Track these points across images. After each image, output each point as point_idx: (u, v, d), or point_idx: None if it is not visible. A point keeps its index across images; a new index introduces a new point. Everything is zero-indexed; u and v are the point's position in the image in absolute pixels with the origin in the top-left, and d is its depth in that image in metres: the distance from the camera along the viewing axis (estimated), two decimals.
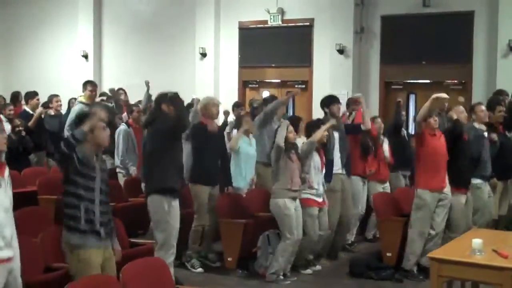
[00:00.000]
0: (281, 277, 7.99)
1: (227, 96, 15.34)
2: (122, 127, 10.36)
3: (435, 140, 7.93)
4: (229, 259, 8.46)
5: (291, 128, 8.03)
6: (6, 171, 4.69)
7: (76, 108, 10.72)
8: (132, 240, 7.37)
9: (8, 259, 4.72)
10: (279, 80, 16.03)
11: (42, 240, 6.09)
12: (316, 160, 8.24)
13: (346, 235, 9.49)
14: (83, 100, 11.00)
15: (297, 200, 8.00)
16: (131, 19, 17.58)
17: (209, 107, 8.43)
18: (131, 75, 17.05)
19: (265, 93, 16.01)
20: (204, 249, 8.68)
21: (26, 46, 18.99)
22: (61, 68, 18.33)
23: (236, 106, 12.92)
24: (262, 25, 15.76)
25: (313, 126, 8.46)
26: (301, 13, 15.29)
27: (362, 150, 9.76)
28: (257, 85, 16.36)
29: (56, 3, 18.45)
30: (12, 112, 11.84)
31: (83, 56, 17.89)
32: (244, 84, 16.32)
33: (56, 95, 12.12)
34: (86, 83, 11.47)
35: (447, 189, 8.00)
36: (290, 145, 7.97)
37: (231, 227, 8.49)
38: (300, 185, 7.97)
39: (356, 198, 9.64)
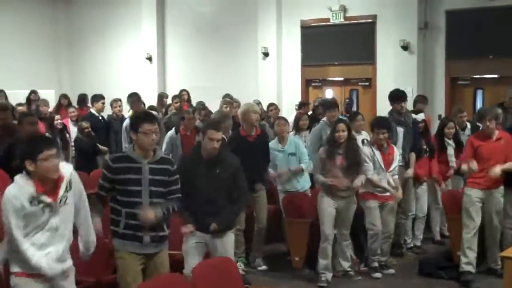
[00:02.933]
0: (352, 273, 8.07)
1: (290, 95, 15.35)
2: (169, 133, 10.21)
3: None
4: (296, 258, 8.46)
5: (341, 126, 7.78)
6: (61, 192, 4.58)
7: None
8: None
9: (49, 276, 4.58)
10: (342, 78, 15.91)
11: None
12: (378, 158, 8.04)
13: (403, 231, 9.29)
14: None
15: (345, 200, 7.80)
16: (193, 20, 17.71)
17: (249, 113, 8.30)
18: (194, 76, 17.25)
19: (329, 92, 15.97)
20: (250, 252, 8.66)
21: (91, 49, 19.39)
22: (126, 71, 18.65)
23: (302, 105, 12.91)
24: (324, 23, 15.65)
25: (376, 124, 8.26)
26: (364, 10, 15.13)
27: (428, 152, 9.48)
28: (320, 84, 16.27)
29: (121, 7, 18.76)
30: (74, 113, 12.02)
31: (147, 58, 18.14)
32: (307, 83, 16.25)
33: (116, 100, 12.19)
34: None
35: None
36: (336, 145, 7.74)
37: (297, 226, 8.50)
38: (346, 187, 7.76)
39: (421, 200, 9.41)
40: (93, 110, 12.08)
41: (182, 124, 10.33)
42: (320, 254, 7.84)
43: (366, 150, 8.08)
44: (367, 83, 15.42)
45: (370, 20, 15.08)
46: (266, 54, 16.20)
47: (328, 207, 7.76)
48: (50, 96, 15.32)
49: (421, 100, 11.29)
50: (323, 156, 7.78)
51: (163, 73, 18.29)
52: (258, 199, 8.34)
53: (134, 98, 12.05)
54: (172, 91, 15.70)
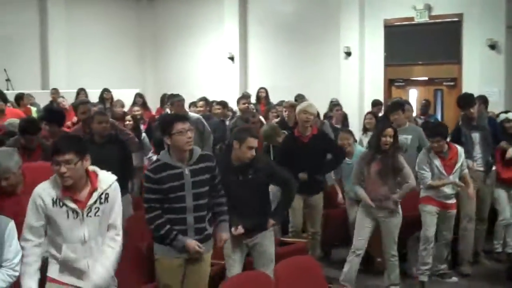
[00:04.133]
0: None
1: (372, 95, 15.16)
2: None
3: None
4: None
5: (389, 131, 7.14)
6: (91, 201, 4.34)
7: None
8: (283, 238, 7.44)
9: None
10: (426, 78, 15.63)
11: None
12: (436, 164, 7.50)
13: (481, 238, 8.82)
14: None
15: (383, 211, 7.21)
16: (275, 20, 17.76)
17: (300, 113, 7.92)
18: (275, 76, 17.29)
19: (412, 92, 15.73)
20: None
21: (174, 48, 19.71)
22: (208, 70, 18.86)
23: (374, 104, 12.64)
24: (408, 22, 15.43)
25: (429, 132, 7.78)
26: (449, 8, 14.83)
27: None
28: (403, 83, 16.04)
29: (204, 6, 18.99)
30: (138, 112, 11.93)
31: (229, 58, 18.28)
32: (390, 83, 16.05)
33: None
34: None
35: None
36: (378, 150, 7.15)
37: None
38: (383, 195, 7.13)
39: (501, 206, 8.80)
40: (169, 110, 12.06)
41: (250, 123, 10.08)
42: (346, 264, 7.41)
43: (422, 158, 7.61)
44: (452, 83, 15.10)
45: (456, 19, 14.77)
46: (348, 54, 16.08)
47: (364, 218, 7.25)
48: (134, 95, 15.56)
49: None
50: (363, 161, 7.25)
51: (245, 72, 18.40)
52: (312, 203, 7.98)
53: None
54: (253, 90, 15.76)
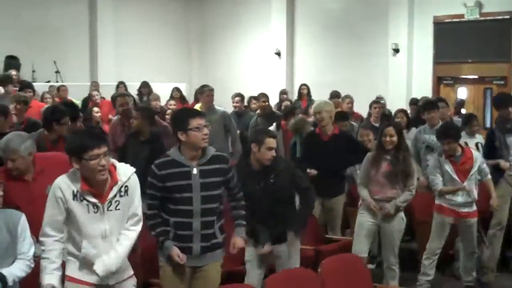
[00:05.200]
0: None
1: (420, 93, 14.97)
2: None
3: None
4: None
5: (389, 130, 6.73)
6: (110, 195, 4.22)
7: None
8: (328, 236, 7.41)
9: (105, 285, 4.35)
10: (476, 76, 15.39)
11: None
12: (447, 169, 7.00)
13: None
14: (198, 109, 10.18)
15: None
16: (323, 17, 17.67)
17: (321, 112, 7.61)
18: (322, 72, 17.21)
19: (461, 90, 15.51)
20: None
21: (221, 43, 19.74)
22: (254, 65, 18.86)
23: (412, 102, 12.41)
24: (458, 19, 15.20)
25: (440, 134, 7.25)
26: (501, 5, 14.56)
27: None
28: (452, 82, 15.81)
29: (251, 3, 18.99)
30: (174, 106, 11.82)
31: (276, 53, 18.25)
32: (438, 80, 15.83)
33: (238, 94, 12.15)
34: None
35: None
36: (383, 151, 6.77)
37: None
38: (390, 198, 6.71)
39: None
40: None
41: (288, 119, 9.73)
42: None
43: (433, 162, 7.20)
44: (502, 82, 14.82)
45: (507, 17, 14.49)
46: (396, 51, 15.92)
47: (366, 221, 6.81)
48: (181, 89, 15.62)
49: None
50: (369, 162, 6.85)
51: (291, 68, 18.35)
52: (331, 206, 7.63)
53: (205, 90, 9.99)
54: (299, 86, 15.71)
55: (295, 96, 15.09)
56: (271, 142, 5.53)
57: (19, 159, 5.06)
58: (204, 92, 9.41)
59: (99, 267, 4.23)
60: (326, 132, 7.62)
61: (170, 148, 4.99)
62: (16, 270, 4.25)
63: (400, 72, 15.93)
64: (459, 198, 7.04)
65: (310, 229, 6.60)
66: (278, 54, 18.25)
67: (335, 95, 12.67)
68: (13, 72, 12.91)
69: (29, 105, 9.00)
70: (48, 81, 15.50)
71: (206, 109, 9.08)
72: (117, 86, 14.21)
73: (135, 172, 4.40)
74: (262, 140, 5.53)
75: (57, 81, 15.47)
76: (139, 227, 4.44)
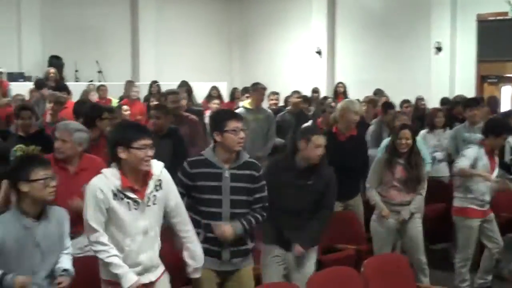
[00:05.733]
0: None
1: (463, 91, 14.79)
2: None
3: None
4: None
5: (405, 133, 6.54)
6: (148, 189, 4.22)
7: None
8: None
9: (148, 283, 4.31)
10: None
11: None
12: (484, 163, 6.80)
13: None
14: (247, 105, 9.59)
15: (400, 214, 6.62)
16: (364, 15, 17.59)
17: (349, 112, 7.29)
18: (363, 71, 17.12)
19: (506, 89, 15.28)
20: None
21: (262, 42, 19.78)
22: (295, 64, 18.84)
23: (443, 103, 12.20)
24: (502, 17, 14.98)
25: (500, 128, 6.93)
26: None
27: None
28: (496, 80, 15.60)
29: (292, 1, 18.97)
30: (216, 105, 11.83)
31: (316, 52, 18.21)
32: (482, 79, 15.63)
33: (274, 93, 12.10)
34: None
35: None
36: (397, 154, 6.57)
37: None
38: (408, 202, 6.60)
39: None
40: (241, 103, 11.99)
41: (322, 117, 9.64)
42: None
43: (471, 151, 6.79)
44: None
45: None
46: (439, 49, 15.78)
47: (382, 225, 6.65)
48: (222, 88, 15.66)
49: None
50: (382, 165, 6.63)
51: (332, 67, 18.29)
52: (352, 204, 7.40)
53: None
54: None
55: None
56: (319, 139, 5.41)
57: (69, 143, 5.13)
58: (257, 90, 9.34)
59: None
60: (344, 132, 7.36)
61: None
62: (69, 264, 4.31)
63: (443, 71, 15.77)
64: (487, 197, 6.91)
65: (351, 228, 6.53)
66: (319, 53, 18.21)
67: (378, 93, 12.54)
68: (51, 70, 13.14)
69: (64, 105, 9.16)
70: (91, 81, 15.64)
71: (255, 106, 9.10)
72: (150, 86, 14.19)
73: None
74: (311, 137, 5.41)
75: (99, 81, 15.60)
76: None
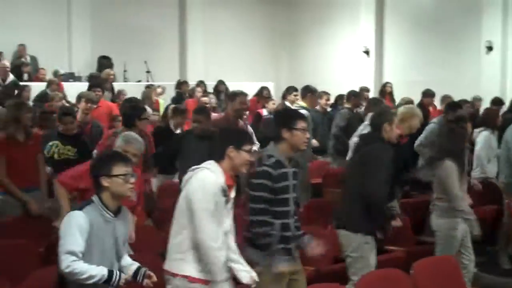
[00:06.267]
0: None
1: None
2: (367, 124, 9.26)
3: None
4: None
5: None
6: (233, 193, 4.42)
7: None
8: (418, 237, 7.25)
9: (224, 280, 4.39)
10: None
11: (330, 232, 6.15)
12: None
13: None
14: (302, 104, 9.84)
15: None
16: (413, 14, 17.42)
17: (414, 117, 6.92)
18: (411, 70, 16.97)
19: None
20: None
21: (309, 42, 19.78)
22: (342, 64, 18.77)
23: (495, 103, 11.93)
24: None
25: None
26: None
27: None
28: None
29: (339, 1, 18.88)
30: (274, 105, 11.81)
31: (364, 52, 18.10)
32: None
33: (326, 93, 12.01)
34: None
35: None
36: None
37: None
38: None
39: None
40: (287, 102, 11.92)
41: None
42: None
43: None
44: None
45: None
46: (490, 48, 15.58)
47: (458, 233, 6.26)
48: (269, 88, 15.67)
49: None
50: (456, 171, 6.19)
51: (380, 66, 18.16)
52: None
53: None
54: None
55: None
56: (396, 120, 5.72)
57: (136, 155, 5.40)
58: (315, 93, 9.77)
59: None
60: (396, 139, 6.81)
61: None
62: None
63: (494, 71, 15.56)
64: None
65: (400, 230, 6.43)
66: (367, 52, 18.10)
67: (428, 93, 12.34)
68: (111, 72, 13.38)
69: (97, 104, 9.29)
70: (139, 81, 15.84)
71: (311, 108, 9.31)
72: (197, 85, 14.26)
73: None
74: (392, 119, 5.66)
75: (147, 81, 15.77)
76: None
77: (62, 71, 14.53)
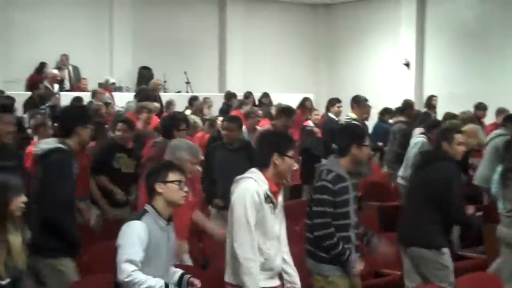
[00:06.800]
0: None
1: None
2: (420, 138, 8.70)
3: None
4: None
5: None
6: (280, 197, 4.49)
7: None
8: (460, 253, 7.14)
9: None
10: None
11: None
12: None
13: None
14: (353, 116, 9.76)
15: None
16: (455, 26, 17.21)
17: (473, 137, 7.09)
18: (452, 84, 16.76)
19: None
20: None
21: (349, 54, 19.71)
22: (382, 76, 18.64)
23: None
24: None
25: None
26: None
27: None
28: None
29: (380, 13, 18.80)
30: (318, 117, 11.81)
31: (404, 64, 17.95)
32: None
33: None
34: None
35: None
36: None
37: None
38: None
39: None
40: (331, 114, 11.83)
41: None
42: None
43: None
44: None
45: None
46: None
47: None
48: None
49: None
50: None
51: (420, 79, 17.98)
52: None
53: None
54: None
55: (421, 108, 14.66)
56: (460, 137, 5.69)
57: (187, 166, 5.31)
58: (366, 106, 9.90)
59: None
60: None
61: None
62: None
63: None
64: None
65: None
66: (407, 65, 17.94)
67: (480, 107, 12.14)
68: (158, 82, 13.74)
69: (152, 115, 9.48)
70: (179, 91, 15.92)
71: (362, 120, 9.36)
72: (246, 97, 14.29)
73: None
74: (452, 137, 5.67)
75: (187, 91, 15.84)
76: None
77: (112, 80, 14.56)
